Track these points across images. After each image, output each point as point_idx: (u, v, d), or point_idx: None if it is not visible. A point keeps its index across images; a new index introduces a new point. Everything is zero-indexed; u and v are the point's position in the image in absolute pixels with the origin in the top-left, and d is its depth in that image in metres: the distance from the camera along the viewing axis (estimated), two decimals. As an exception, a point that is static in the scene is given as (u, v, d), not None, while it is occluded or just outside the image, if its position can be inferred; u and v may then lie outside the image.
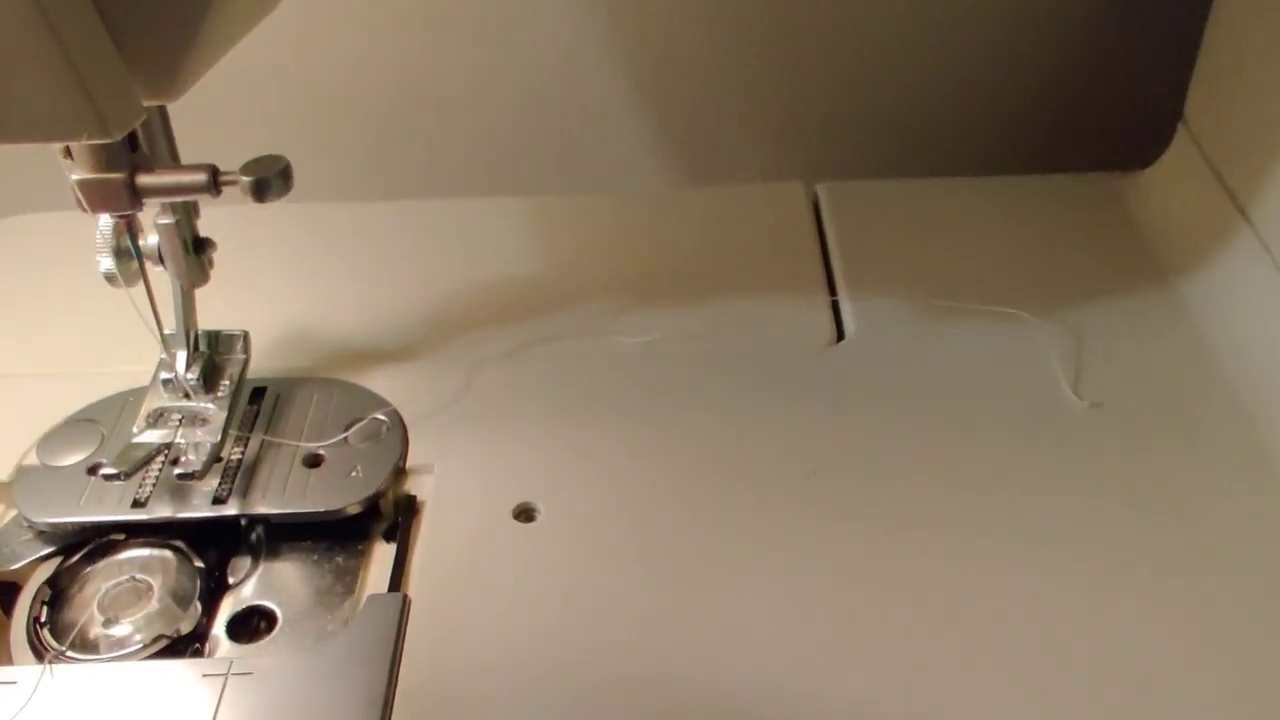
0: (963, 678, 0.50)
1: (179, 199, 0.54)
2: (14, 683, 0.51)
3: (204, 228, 0.59)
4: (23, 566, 0.58)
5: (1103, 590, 0.54)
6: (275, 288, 0.74)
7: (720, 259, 0.77)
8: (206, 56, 0.43)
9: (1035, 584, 0.54)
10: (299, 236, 0.78)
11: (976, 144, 0.95)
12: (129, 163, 0.51)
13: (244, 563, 0.59)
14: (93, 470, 0.60)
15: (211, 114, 0.75)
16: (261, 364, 0.66)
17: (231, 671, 0.51)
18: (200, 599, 0.56)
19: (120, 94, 0.42)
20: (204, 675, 0.51)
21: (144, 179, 0.52)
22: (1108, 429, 0.62)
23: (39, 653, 0.54)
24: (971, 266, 0.74)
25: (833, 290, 0.73)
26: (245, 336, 0.63)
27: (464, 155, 0.95)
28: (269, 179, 0.52)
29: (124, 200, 0.52)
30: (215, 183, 0.52)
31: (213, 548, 0.58)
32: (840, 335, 0.70)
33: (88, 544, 0.58)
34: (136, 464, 0.57)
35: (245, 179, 0.51)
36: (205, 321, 0.62)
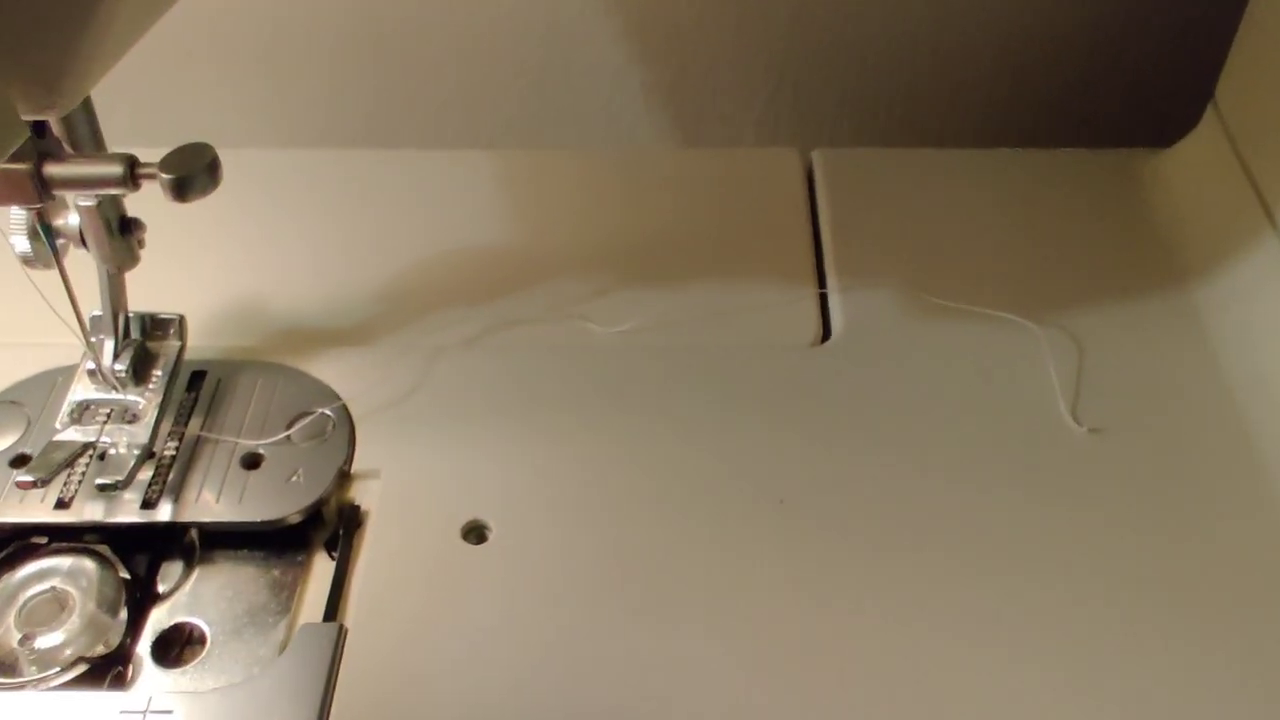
0: (947, 708, 0.47)
1: (92, 192, 0.49)
2: (-82, 712, 0.47)
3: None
4: (-64, 568, 0.54)
5: (1095, 621, 0.51)
6: (215, 254, 0.68)
7: (704, 233, 0.71)
8: (96, 67, 0.37)
9: (1023, 614, 0.51)
10: (242, 190, 0.72)
11: (986, 111, 0.88)
12: (35, 150, 0.46)
13: (175, 569, 0.55)
14: (16, 462, 0.56)
15: (158, 51, 0.69)
16: (202, 343, 0.61)
17: (150, 709, 0.47)
18: (126, 609, 0.52)
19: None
20: (122, 712, 0.47)
21: (53, 169, 0.46)
22: (1105, 456, 0.57)
23: (-50, 670, 0.50)
24: (971, 254, 0.69)
25: (821, 278, 0.68)
26: (181, 321, 0.58)
27: (423, 99, 0.87)
28: (193, 176, 0.46)
29: (30, 193, 0.46)
30: (133, 176, 0.47)
31: (141, 552, 0.55)
32: (827, 333, 0.65)
33: (6, 545, 0.54)
34: (57, 468, 0.52)
35: (165, 176, 0.46)
36: (135, 296, 0.57)
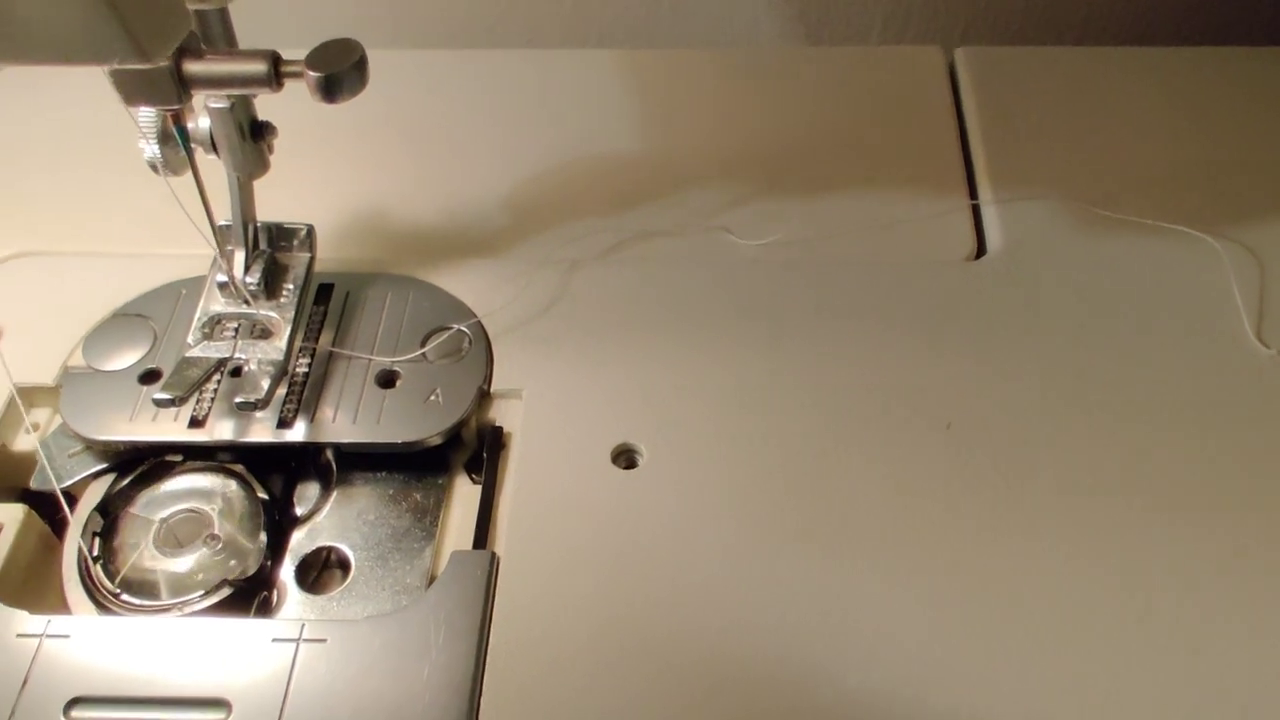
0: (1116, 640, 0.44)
1: (234, 92, 0.45)
2: (67, 636, 0.46)
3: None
4: (73, 485, 0.53)
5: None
6: (340, 166, 0.65)
7: (843, 138, 0.67)
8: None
9: (1205, 548, 0.47)
10: (364, 95, 0.69)
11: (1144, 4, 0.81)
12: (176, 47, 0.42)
13: (312, 490, 0.53)
14: (145, 379, 0.54)
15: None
16: (327, 255, 0.58)
17: (304, 637, 0.46)
18: (265, 532, 0.50)
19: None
20: (274, 640, 0.46)
21: (192, 67, 0.43)
22: (1294, 382, 0.53)
23: (91, 592, 0.49)
24: (1137, 161, 0.64)
25: (973, 189, 0.63)
26: (310, 231, 0.56)
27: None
28: (341, 75, 0.43)
29: (169, 92, 0.43)
30: (277, 75, 0.44)
31: (277, 473, 0.53)
32: (981, 249, 0.60)
33: (141, 463, 0.53)
34: (191, 386, 0.50)
35: (313, 74, 0.43)
36: (264, 211, 0.54)
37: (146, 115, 0.47)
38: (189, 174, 0.50)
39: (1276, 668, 0.44)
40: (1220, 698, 0.43)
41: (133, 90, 0.43)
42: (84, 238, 0.62)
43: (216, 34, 0.46)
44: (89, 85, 0.70)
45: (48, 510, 0.53)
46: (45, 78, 0.71)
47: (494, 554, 0.48)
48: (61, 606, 0.49)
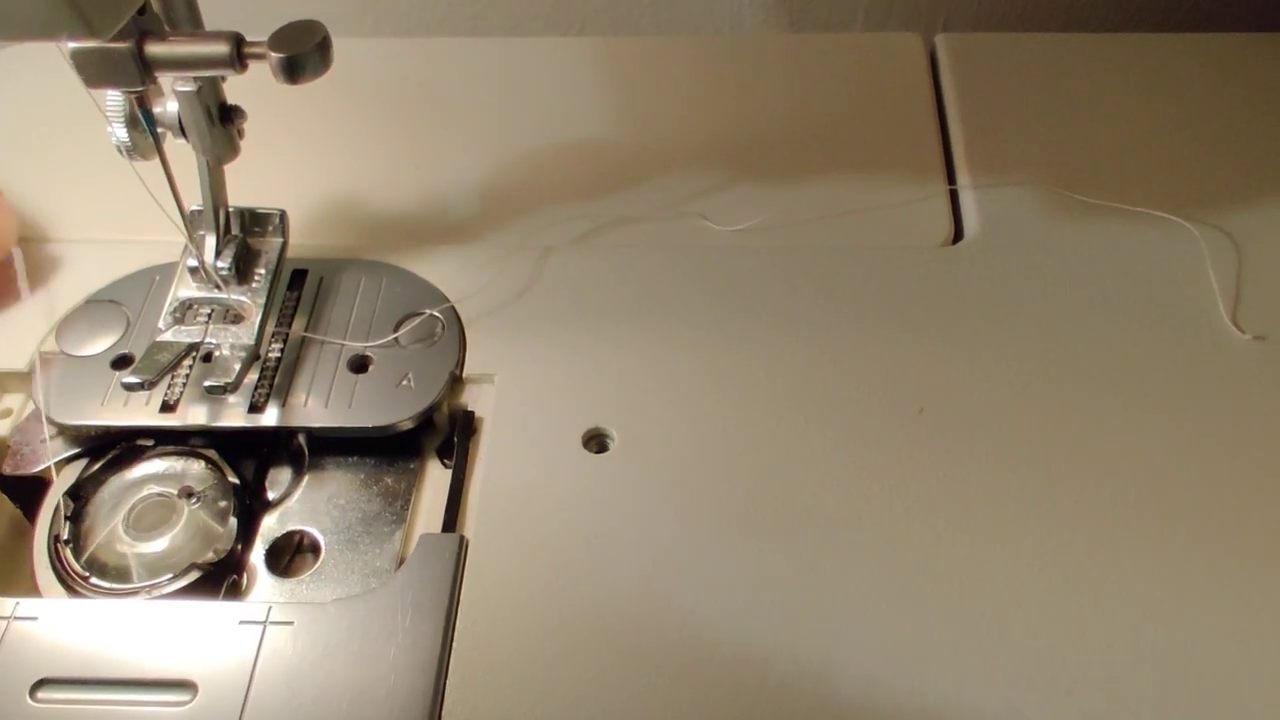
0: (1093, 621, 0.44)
1: (196, 74, 0.45)
2: (35, 618, 0.46)
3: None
4: (45, 469, 0.53)
5: (1255, 536, 0.47)
6: (312, 151, 0.65)
7: (822, 124, 0.67)
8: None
9: (1179, 529, 0.47)
10: (337, 81, 0.68)
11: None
12: (136, 28, 0.42)
13: (284, 475, 0.53)
14: (118, 364, 0.54)
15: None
16: (301, 241, 0.58)
17: (270, 620, 0.46)
18: (236, 516, 0.50)
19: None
20: (241, 622, 0.46)
21: (155, 48, 0.43)
22: (1271, 365, 0.53)
23: (61, 575, 0.49)
24: (1115, 147, 0.64)
25: (951, 173, 0.63)
26: (282, 216, 0.55)
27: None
28: (303, 56, 0.43)
29: (131, 74, 0.43)
30: (240, 56, 0.44)
31: (249, 457, 0.53)
32: (959, 234, 0.60)
33: (112, 447, 0.53)
34: (161, 370, 0.50)
35: (275, 55, 0.43)
36: (235, 196, 0.54)
37: (114, 99, 0.47)
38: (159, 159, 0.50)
39: (1250, 643, 0.44)
40: (1192, 673, 0.43)
41: (94, 72, 0.43)
42: (57, 225, 0.62)
43: (181, 17, 0.46)
44: (57, 73, 0.71)
45: (20, 495, 0.53)
46: (12, 67, 0.71)
47: (463, 537, 0.48)
48: (32, 590, 0.49)
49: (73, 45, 0.42)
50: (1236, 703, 0.43)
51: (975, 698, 0.43)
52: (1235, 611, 0.45)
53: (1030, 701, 0.43)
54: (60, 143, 0.66)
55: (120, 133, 0.48)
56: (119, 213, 0.61)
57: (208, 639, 0.45)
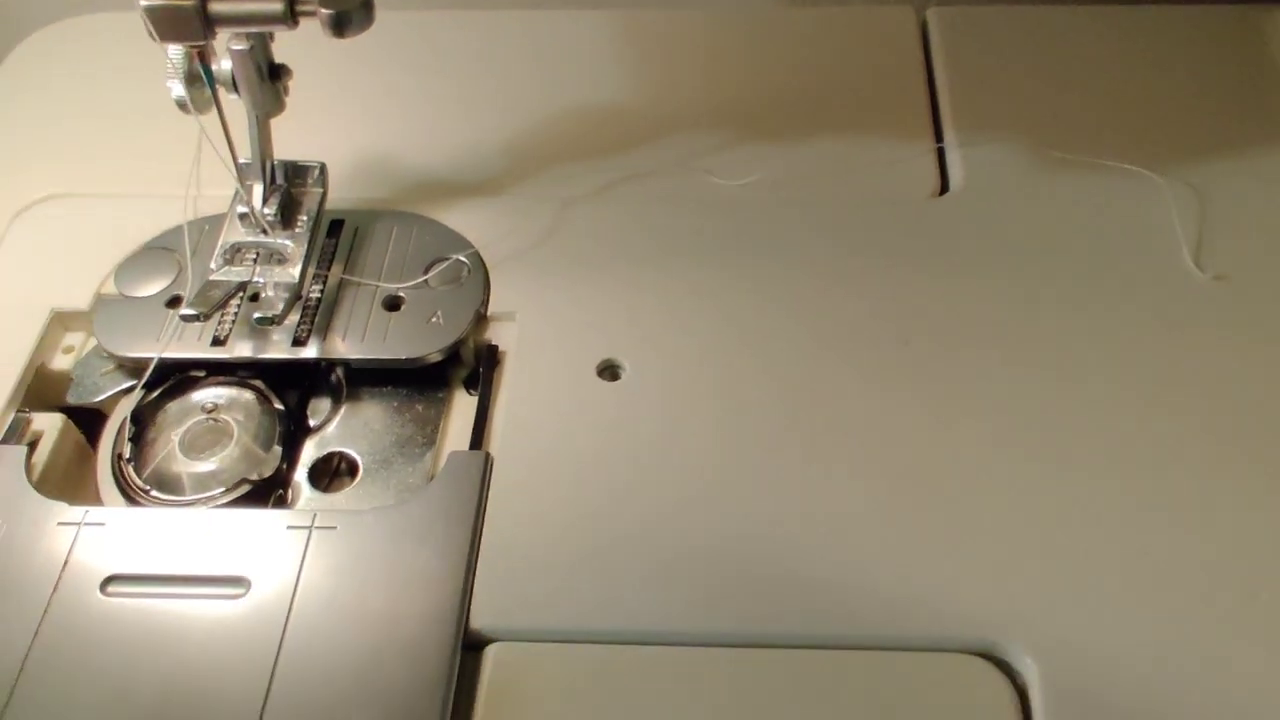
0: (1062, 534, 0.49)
1: (253, 29, 0.50)
2: (103, 524, 0.51)
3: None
4: (105, 399, 0.58)
5: (1220, 466, 0.52)
6: (350, 112, 0.70)
7: (820, 90, 0.71)
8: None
9: (1146, 457, 0.52)
10: (370, 48, 0.73)
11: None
12: (199, -13, 0.47)
13: (324, 405, 0.58)
14: (171, 303, 0.59)
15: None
16: (338, 194, 0.63)
17: (315, 525, 0.51)
18: (281, 442, 0.55)
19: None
20: (289, 527, 0.51)
21: (217, 6, 0.48)
22: (1230, 303, 0.58)
23: (123, 488, 0.54)
24: (1092, 110, 0.68)
25: (939, 133, 0.68)
26: (322, 168, 0.60)
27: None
28: (350, 12, 0.48)
29: (195, 29, 0.48)
30: (292, 13, 0.48)
31: (292, 388, 0.58)
32: (945, 186, 0.65)
33: (168, 379, 0.58)
34: (215, 304, 0.55)
35: (324, 11, 0.48)
36: (279, 151, 0.59)
37: (175, 54, 0.52)
38: (213, 114, 0.55)
39: (1213, 558, 0.49)
40: (1159, 583, 0.48)
41: (164, 28, 0.48)
42: (110, 181, 0.67)
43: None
44: (112, 42, 0.76)
45: (81, 423, 0.58)
46: (71, 35, 0.77)
47: (488, 454, 0.53)
48: (96, 503, 0.54)
49: (145, 3, 0.47)
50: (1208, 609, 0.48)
51: (971, 593, 0.48)
52: (1203, 525, 0.50)
53: (1005, 592, 0.48)
54: (121, 110, 0.71)
55: (178, 89, 0.53)
56: (167, 169, 0.66)
57: (258, 541, 0.50)
